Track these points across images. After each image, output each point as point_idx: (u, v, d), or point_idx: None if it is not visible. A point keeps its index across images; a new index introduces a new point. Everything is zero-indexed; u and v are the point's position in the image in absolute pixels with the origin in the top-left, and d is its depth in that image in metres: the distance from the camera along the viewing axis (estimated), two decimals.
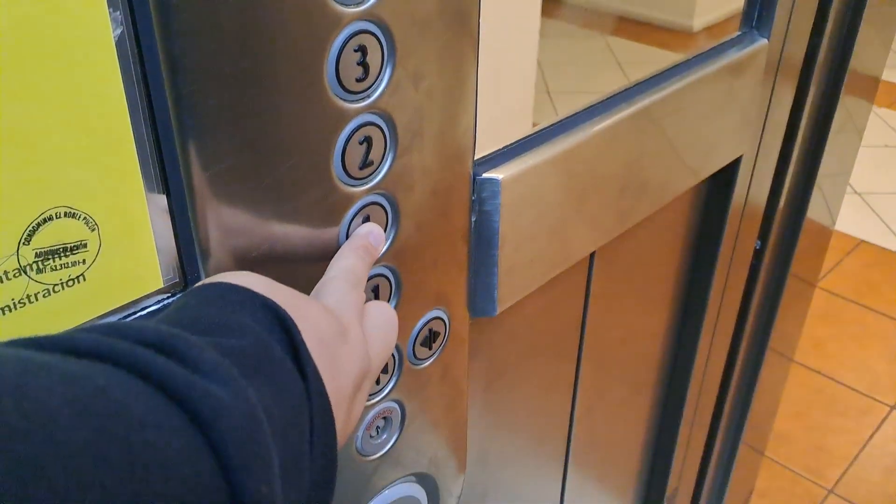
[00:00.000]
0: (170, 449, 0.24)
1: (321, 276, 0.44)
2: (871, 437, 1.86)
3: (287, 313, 0.34)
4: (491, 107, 0.52)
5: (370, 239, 0.45)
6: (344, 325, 0.38)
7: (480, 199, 0.54)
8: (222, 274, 0.36)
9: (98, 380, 0.25)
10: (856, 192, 2.81)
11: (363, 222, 0.45)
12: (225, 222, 0.39)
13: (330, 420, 0.33)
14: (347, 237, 0.45)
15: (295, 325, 0.34)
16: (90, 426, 0.23)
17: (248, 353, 0.30)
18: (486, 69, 0.49)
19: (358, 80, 0.40)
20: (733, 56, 0.70)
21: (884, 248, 2.53)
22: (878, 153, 3.06)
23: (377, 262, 0.47)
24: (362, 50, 0.40)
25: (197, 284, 0.35)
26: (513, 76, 0.54)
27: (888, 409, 1.94)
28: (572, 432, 0.83)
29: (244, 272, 0.37)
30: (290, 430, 0.30)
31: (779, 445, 1.82)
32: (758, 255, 1.04)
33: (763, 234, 1.03)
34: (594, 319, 0.77)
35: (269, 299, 0.34)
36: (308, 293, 0.44)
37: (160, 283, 0.38)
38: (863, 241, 2.56)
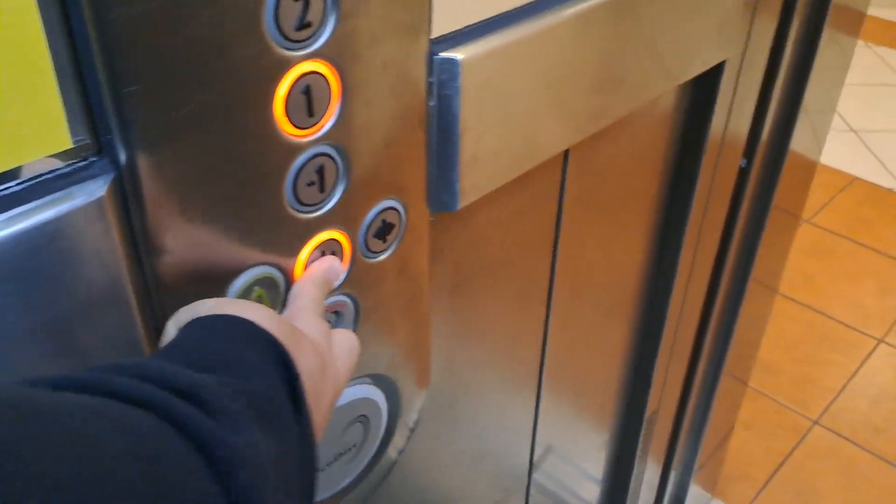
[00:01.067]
0: (194, 492, 0.28)
1: (253, 145, 0.41)
2: (858, 369, 1.85)
3: (290, 354, 0.36)
4: None
5: (329, 274, 0.47)
6: (324, 360, 0.41)
7: (439, 81, 0.50)
8: (225, 301, 0.38)
9: (141, 427, 0.28)
10: (851, 129, 2.77)
11: (303, 93, 0.42)
12: (139, 77, 0.35)
13: (314, 458, 0.37)
14: (286, 111, 0.41)
15: (296, 368, 0.36)
16: (135, 470, 0.26)
17: (255, 396, 0.33)
18: None
19: None
20: None
21: (877, 185, 2.50)
22: (874, 91, 3.00)
23: (321, 139, 0.44)
24: None
25: (202, 313, 0.37)
26: None
27: (876, 341, 1.93)
28: (546, 346, 0.80)
29: (247, 302, 0.39)
30: (283, 470, 0.33)
31: (766, 377, 1.82)
32: (742, 174, 1.01)
33: (748, 153, 0.99)
34: (569, 228, 0.74)
35: (273, 336, 0.36)
36: (239, 160, 0.41)
37: (69, 144, 0.35)
38: (857, 179, 2.52)
